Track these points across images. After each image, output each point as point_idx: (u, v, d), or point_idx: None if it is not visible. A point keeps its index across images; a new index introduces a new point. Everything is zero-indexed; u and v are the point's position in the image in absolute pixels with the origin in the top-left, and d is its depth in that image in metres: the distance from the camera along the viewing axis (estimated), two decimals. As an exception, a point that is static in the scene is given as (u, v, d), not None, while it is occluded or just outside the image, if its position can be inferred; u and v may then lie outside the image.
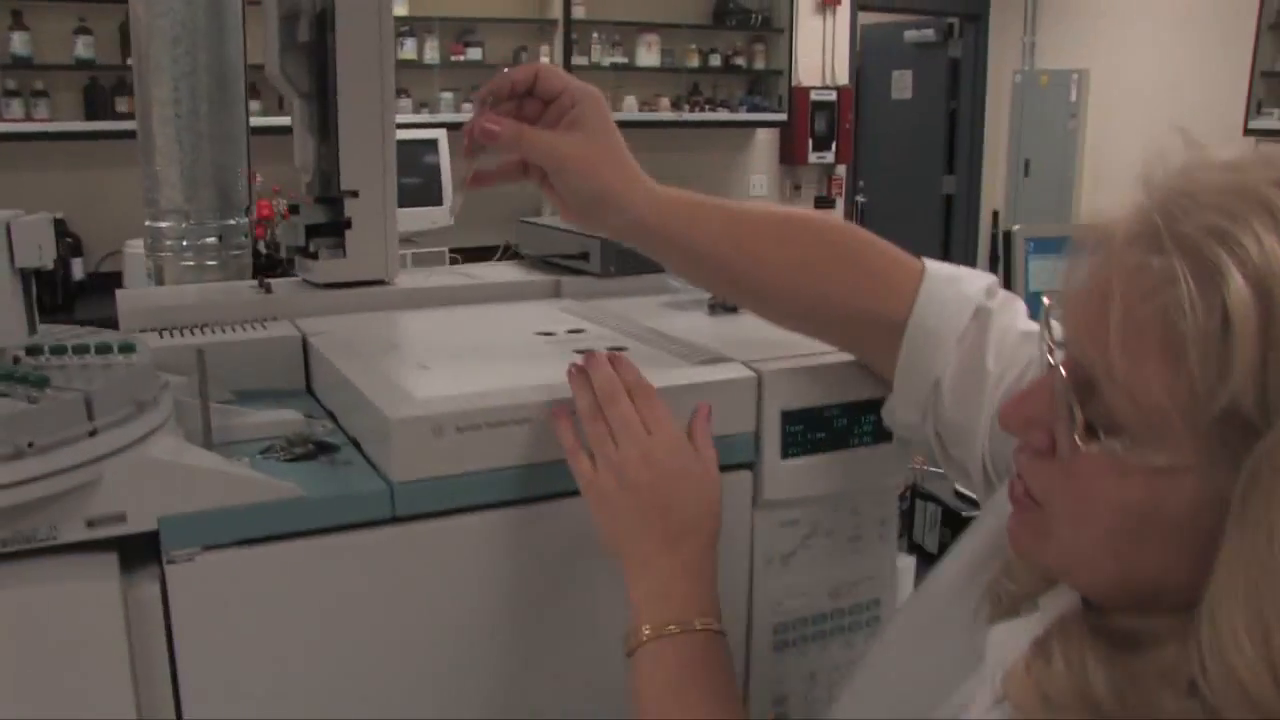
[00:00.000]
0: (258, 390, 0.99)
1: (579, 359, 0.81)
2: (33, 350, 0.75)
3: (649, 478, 0.77)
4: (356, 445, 0.86)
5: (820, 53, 5.88)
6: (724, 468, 0.88)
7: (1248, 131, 5.02)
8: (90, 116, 3.91)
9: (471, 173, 0.85)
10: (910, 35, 6.79)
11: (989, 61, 6.58)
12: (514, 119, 0.81)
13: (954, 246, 6.83)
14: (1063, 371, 0.55)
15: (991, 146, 6.61)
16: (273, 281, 1.12)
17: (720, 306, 1.12)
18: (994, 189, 6.64)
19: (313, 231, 1.12)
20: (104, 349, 0.75)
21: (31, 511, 0.66)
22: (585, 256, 1.22)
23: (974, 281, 0.83)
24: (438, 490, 0.78)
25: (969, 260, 6.71)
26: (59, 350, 0.75)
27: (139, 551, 0.73)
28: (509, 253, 4.32)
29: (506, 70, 0.82)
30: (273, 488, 0.74)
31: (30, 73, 3.84)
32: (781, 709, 1.00)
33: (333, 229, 1.12)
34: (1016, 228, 1.55)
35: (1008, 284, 1.60)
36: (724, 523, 0.90)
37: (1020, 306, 0.83)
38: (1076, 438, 0.54)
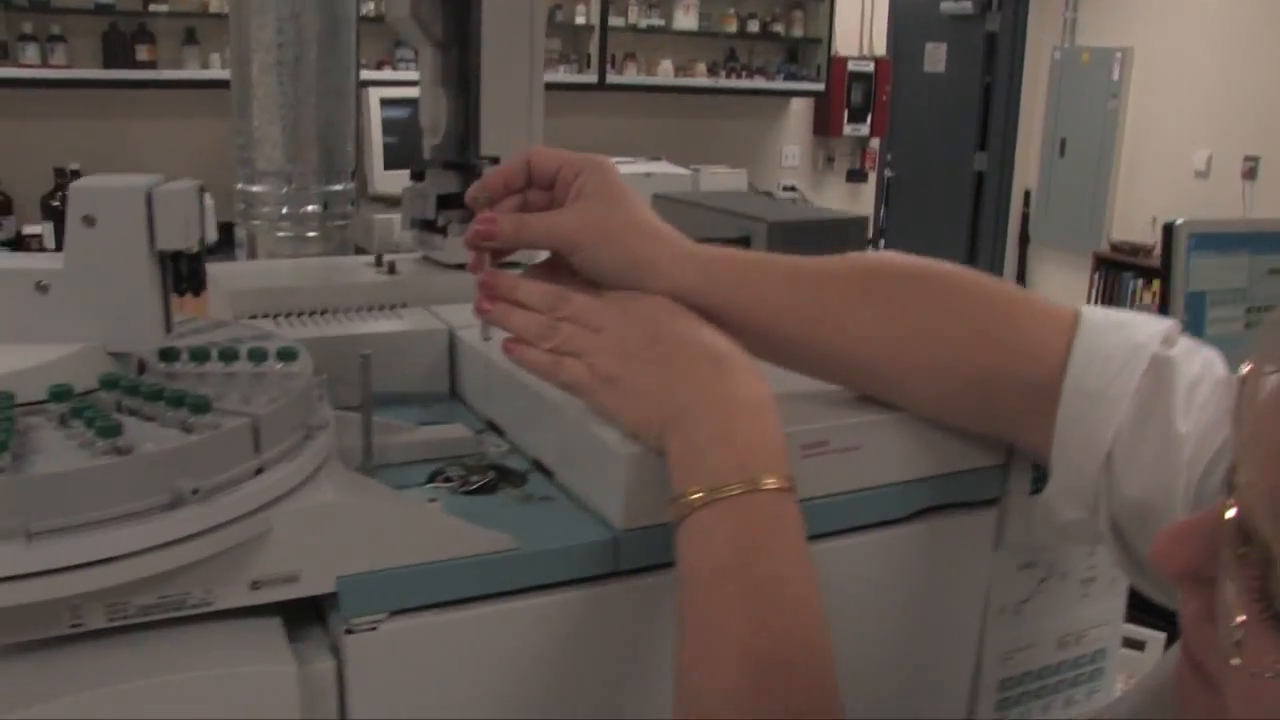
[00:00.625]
0: (392, 393, 0.82)
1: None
2: (166, 354, 0.59)
3: (649, 327, 0.63)
4: (541, 469, 0.70)
5: (859, 22, 5.69)
6: (964, 505, 0.74)
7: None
8: (109, 64, 3.70)
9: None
10: (946, 7, 6.58)
11: (1028, 36, 6.39)
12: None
13: (982, 224, 6.67)
14: (1233, 514, 0.38)
15: (1026, 124, 6.42)
16: (394, 259, 0.96)
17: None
18: (1027, 168, 6.47)
19: (443, 203, 0.96)
20: (258, 355, 0.59)
21: (184, 573, 0.51)
22: (746, 241, 1.06)
23: (1144, 327, 0.65)
24: (666, 537, 0.63)
25: (997, 242, 6.55)
26: (200, 355, 0.59)
27: (300, 612, 0.57)
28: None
29: (493, 167, 0.68)
30: (484, 539, 0.58)
31: (47, 16, 3.63)
32: (999, 780, 0.86)
33: (467, 200, 0.95)
34: (1180, 221, 1.39)
35: (1165, 286, 1.44)
36: (956, 570, 0.76)
37: (1211, 355, 0.65)
38: (1240, 618, 0.37)
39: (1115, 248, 5.58)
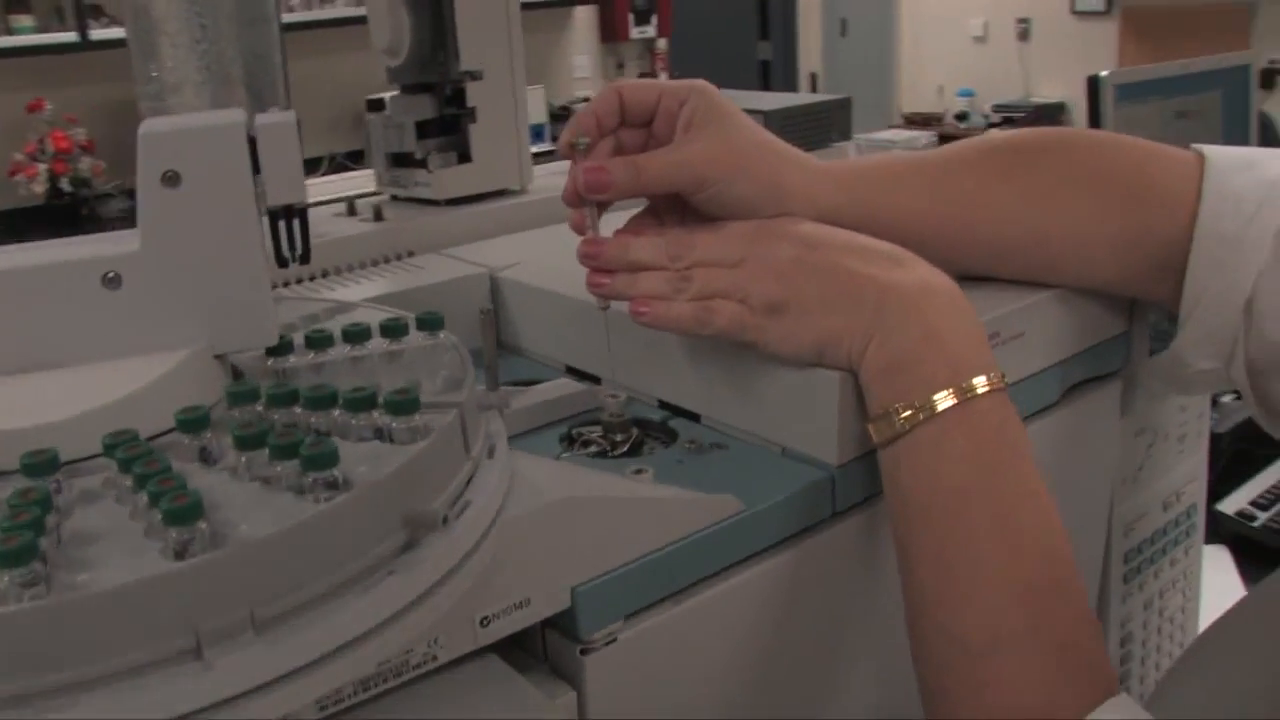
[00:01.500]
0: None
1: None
2: (277, 348, 0.45)
3: (796, 243, 0.54)
4: (677, 412, 0.60)
5: (631, -80, 5.55)
6: (1088, 381, 0.69)
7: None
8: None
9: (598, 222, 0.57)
10: (713, -103, 6.52)
11: (796, -80, 6.41)
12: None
13: (774, 114, 6.73)
14: None
15: (806, 9, 6.49)
16: (377, 204, 0.81)
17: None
18: (810, 51, 6.55)
19: (420, 132, 0.82)
20: (395, 330, 0.46)
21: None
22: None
23: (1273, 163, 0.61)
24: (875, 466, 0.54)
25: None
26: (320, 341, 0.45)
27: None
28: (334, 163, 3.89)
29: (582, 109, 0.57)
30: (711, 507, 0.47)
31: None
32: (1127, 650, 0.83)
33: (449, 126, 0.81)
34: (1104, 74, 1.38)
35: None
36: (1090, 447, 0.71)
37: None
38: None
39: (909, 120, 5.74)
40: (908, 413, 0.49)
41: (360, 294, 0.68)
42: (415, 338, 0.46)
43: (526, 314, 0.70)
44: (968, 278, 0.61)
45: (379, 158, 0.83)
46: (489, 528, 0.39)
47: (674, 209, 0.59)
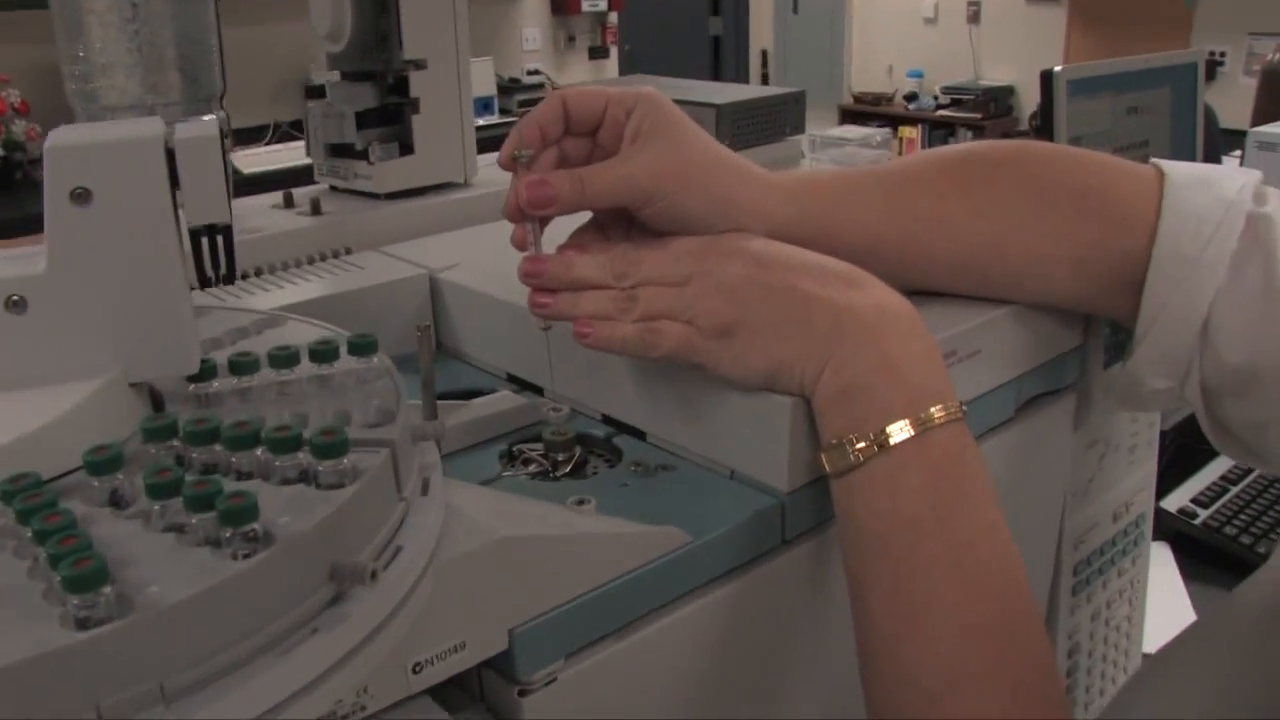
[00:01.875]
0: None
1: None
2: (200, 374, 0.42)
3: (748, 261, 0.52)
4: (620, 428, 0.58)
5: (584, -110, 5.47)
6: (1043, 395, 0.69)
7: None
8: None
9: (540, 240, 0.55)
10: None
11: (749, -106, 6.37)
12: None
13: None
14: None
15: (758, -16, 6.46)
16: (313, 195, 0.78)
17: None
18: (761, 28, 6.52)
19: (361, 122, 0.78)
20: (325, 354, 0.43)
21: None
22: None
23: (1231, 182, 0.59)
24: (825, 493, 0.53)
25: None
26: (244, 367, 0.43)
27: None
28: (278, 132, 3.80)
29: (525, 118, 0.54)
30: (657, 540, 0.46)
31: None
32: (1074, 661, 0.83)
33: (390, 116, 0.78)
34: (1057, 69, 1.38)
35: (1046, 134, 1.43)
36: (1043, 461, 0.70)
37: None
38: None
39: (858, 99, 5.75)
40: (862, 444, 0.48)
41: (294, 297, 0.65)
42: (347, 362, 0.44)
43: (467, 319, 0.68)
44: (922, 293, 0.60)
45: (317, 147, 0.80)
46: (421, 574, 0.37)
47: (620, 221, 0.56)
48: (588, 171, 0.52)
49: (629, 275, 0.53)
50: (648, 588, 0.46)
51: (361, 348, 0.43)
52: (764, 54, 6.56)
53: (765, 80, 6.55)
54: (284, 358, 0.43)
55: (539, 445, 0.55)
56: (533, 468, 0.55)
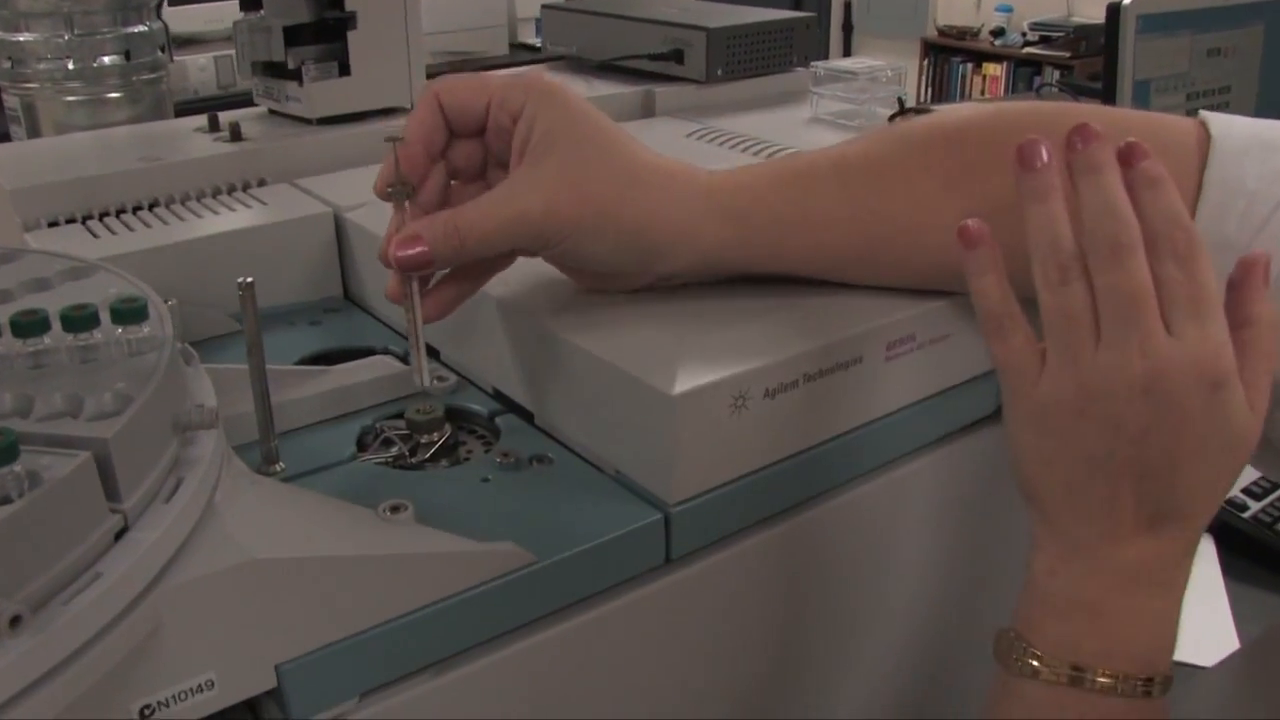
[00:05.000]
0: (270, 309, 0.60)
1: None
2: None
3: (1151, 410, 0.39)
4: (509, 405, 0.50)
5: None
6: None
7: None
8: None
9: (417, 315, 0.44)
10: None
11: None
12: (436, 204, 0.45)
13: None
14: None
15: (848, -94, 6.16)
16: (235, 119, 0.71)
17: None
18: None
19: (291, 38, 0.70)
20: (77, 321, 0.36)
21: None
22: (678, 56, 0.84)
23: None
24: (723, 506, 0.44)
25: (820, 34, 6.35)
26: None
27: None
28: None
29: (394, 131, 0.44)
30: (485, 560, 0.38)
31: None
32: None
33: (326, 32, 0.70)
34: (1126, 1, 1.23)
35: (1110, 76, 1.29)
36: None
37: None
38: None
39: (942, 32, 5.48)
40: (1042, 668, 0.40)
41: (171, 237, 0.58)
42: (110, 332, 0.36)
43: (372, 265, 0.60)
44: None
45: (244, 66, 0.72)
46: (128, 607, 0.30)
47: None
48: (466, 219, 0.42)
49: (1106, 273, 0.40)
50: (470, 617, 0.38)
51: (127, 315, 0.36)
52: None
53: (848, 10, 6.28)
54: (29, 325, 0.35)
55: (403, 425, 0.48)
56: (395, 450, 0.47)
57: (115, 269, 0.43)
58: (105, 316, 0.37)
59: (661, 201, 0.44)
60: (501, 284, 0.48)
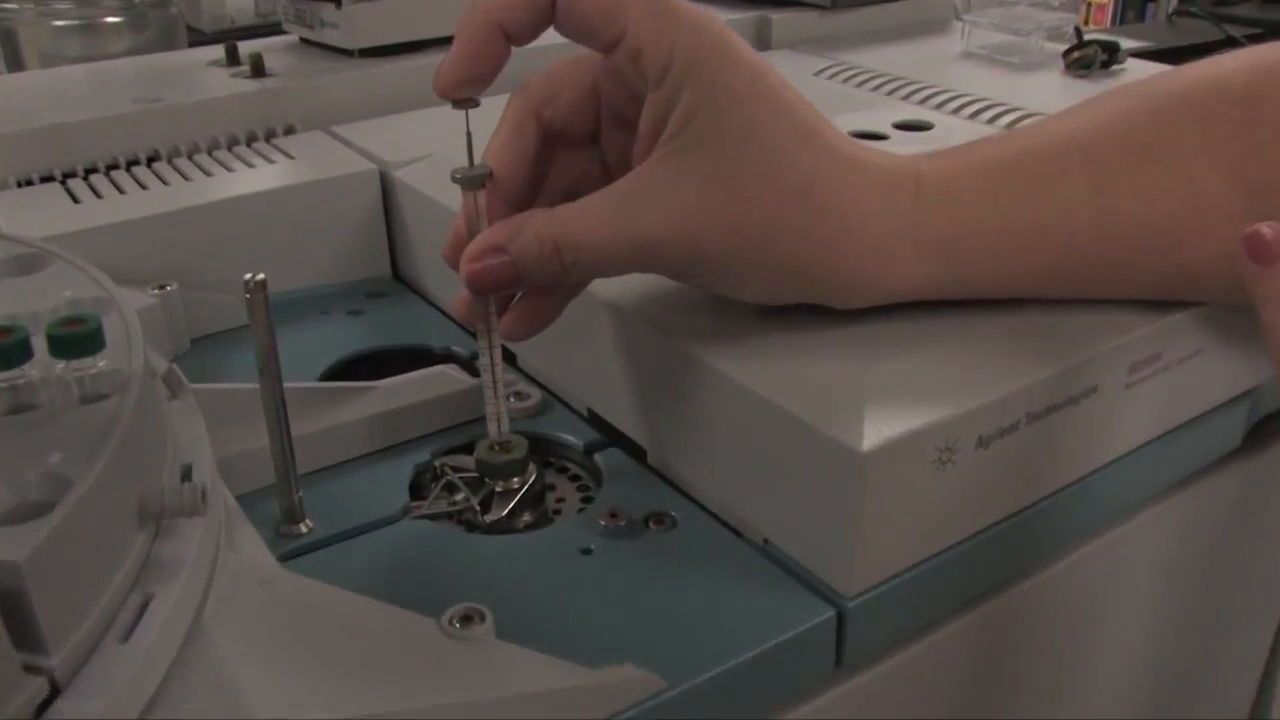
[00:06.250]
0: (297, 292, 0.48)
1: None
2: None
3: None
4: (610, 434, 0.38)
5: None
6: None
7: None
8: None
9: (494, 348, 0.32)
10: None
11: None
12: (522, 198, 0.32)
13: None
14: None
15: None
16: (264, 51, 0.58)
17: (1087, 58, 0.63)
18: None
19: (326, -50, 0.57)
20: (8, 354, 0.24)
21: None
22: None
23: None
24: (916, 591, 0.32)
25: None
26: None
27: None
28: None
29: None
30: (607, 691, 0.26)
31: None
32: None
33: (366, -57, 0.57)
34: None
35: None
36: (1272, 503, 0.49)
37: None
38: None
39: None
40: None
41: (171, 203, 0.45)
42: (49, 367, 0.24)
43: (427, 237, 0.47)
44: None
45: (270, -15, 0.59)
46: None
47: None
48: (566, 235, 0.29)
49: None
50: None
51: (70, 344, 0.24)
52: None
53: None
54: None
55: (470, 461, 0.36)
56: (460, 498, 0.35)
57: (77, 260, 0.31)
58: (44, 343, 0.25)
59: (847, 232, 0.31)
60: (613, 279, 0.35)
